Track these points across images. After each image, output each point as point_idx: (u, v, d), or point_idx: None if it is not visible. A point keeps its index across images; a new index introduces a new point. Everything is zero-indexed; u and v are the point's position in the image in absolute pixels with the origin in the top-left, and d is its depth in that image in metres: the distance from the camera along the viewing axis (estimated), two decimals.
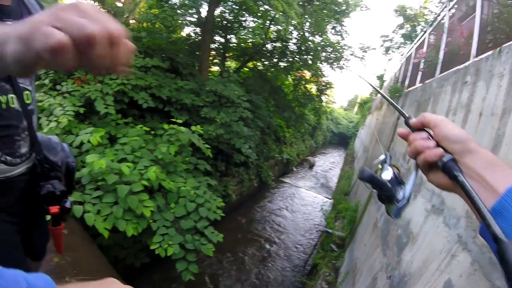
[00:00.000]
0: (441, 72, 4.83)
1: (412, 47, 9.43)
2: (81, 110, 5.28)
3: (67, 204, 1.30)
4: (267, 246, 8.81)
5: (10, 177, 1.14)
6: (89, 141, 4.37)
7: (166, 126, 5.47)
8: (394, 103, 0.89)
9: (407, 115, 0.74)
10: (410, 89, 7.17)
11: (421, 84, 5.95)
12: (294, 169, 17.19)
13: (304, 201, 13.04)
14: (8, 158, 1.11)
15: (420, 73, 6.67)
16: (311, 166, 19.51)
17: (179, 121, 5.77)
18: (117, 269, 4.76)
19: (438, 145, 0.63)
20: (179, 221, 4.83)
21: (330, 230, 7.69)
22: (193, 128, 5.66)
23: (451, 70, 4.09)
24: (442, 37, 5.57)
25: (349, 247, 6.41)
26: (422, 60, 6.71)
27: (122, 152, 4.84)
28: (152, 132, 5.58)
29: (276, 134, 14.13)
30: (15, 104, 1.08)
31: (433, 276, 2.24)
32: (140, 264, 5.45)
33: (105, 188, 4.31)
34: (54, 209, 1.26)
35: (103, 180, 4.24)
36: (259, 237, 9.19)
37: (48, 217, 1.31)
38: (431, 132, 0.66)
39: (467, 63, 3.51)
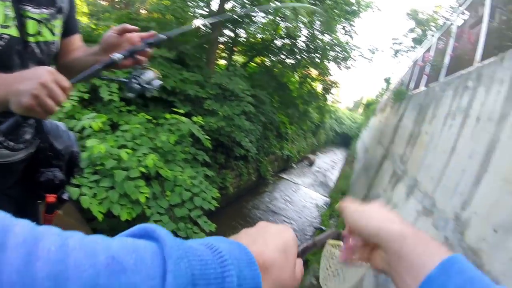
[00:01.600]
0: (445, 77, 4.82)
1: (420, 51, 9.41)
2: (86, 96, 5.27)
3: (65, 196, 1.30)
4: None
5: (11, 161, 1.16)
6: (90, 126, 4.37)
7: (168, 116, 5.49)
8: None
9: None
10: (414, 92, 7.15)
11: (425, 88, 5.94)
12: (294, 166, 17.18)
13: (301, 198, 13.06)
14: (11, 143, 1.12)
15: (425, 77, 6.65)
16: (311, 164, 19.49)
17: (181, 111, 5.77)
18: None
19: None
20: (173, 209, 4.88)
21: (323, 227, 7.66)
22: (194, 119, 5.66)
23: (454, 75, 4.08)
24: (449, 42, 5.55)
25: None
26: (428, 64, 6.69)
27: (123, 138, 4.86)
28: (154, 121, 5.59)
29: (278, 130, 14.12)
30: None
31: None
32: None
33: (103, 172, 4.34)
34: (51, 198, 1.25)
35: (102, 164, 4.27)
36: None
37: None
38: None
39: (470, 69, 3.50)
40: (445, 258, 0.43)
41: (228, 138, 8.00)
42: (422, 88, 6.33)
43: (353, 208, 0.58)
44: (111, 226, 5.03)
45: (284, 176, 15.28)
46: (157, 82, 1.18)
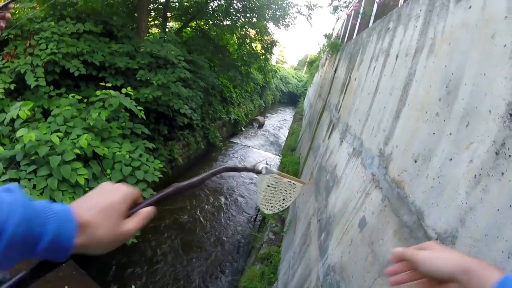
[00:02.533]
0: (372, 24, 4.90)
1: (353, 3, 9.50)
2: (12, 87, 5.12)
3: None
4: (218, 206, 8.90)
5: None
6: (18, 116, 4.17)
7: (98, 92, 5.25)
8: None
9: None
10: (347, 43, 7.27)
11: (355, 37, 6.03)
12: (243, 129, 17.21)
13: (253, 159, 13.21)
14: None
15: (356, 27, 6.75)
16: (261, 125, 19.64)
17: (109, 84, 5.58)
18: None
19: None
20: None
21: None
22: (123, 90, 5.43)
23: (378, 20, 4.14)
24: None
25: None
26: (359, 12, 6.77)
27: (55, 124, 4.70)
28: (85, 100, 5.40)
29: (222, 94, 13.91)
30: None
31: (350, 215, 2.34)
32: None
33: (39, 161, 4.23)
34: None
35: (36, 153, 4.15)
36: (209, 199, 9.24)
37: None
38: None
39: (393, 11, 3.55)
40: (502, 277, 0.55)
41: (167, 108, 7.73)
42: (354, 38, 6.44)
43: (424, 255, 0.65)
44: None
45: (234, 140, 15.29)
46: None
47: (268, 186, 1.42)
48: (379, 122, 2.49)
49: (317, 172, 4.49)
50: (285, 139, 17.25)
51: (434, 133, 1.61)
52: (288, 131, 19.17)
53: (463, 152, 1.33)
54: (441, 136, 1.54)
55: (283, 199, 1.50)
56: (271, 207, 1.49)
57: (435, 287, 0.64)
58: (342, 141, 3.42)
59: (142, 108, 5.60)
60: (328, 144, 4.57)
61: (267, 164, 1.35)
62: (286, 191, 1.48)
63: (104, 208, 0.60)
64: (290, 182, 1.45)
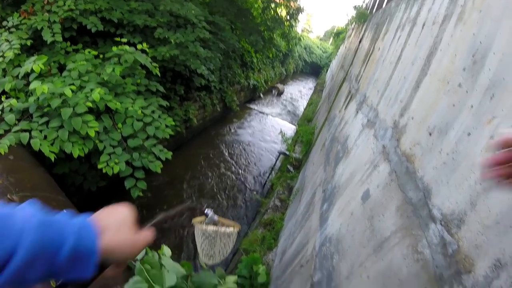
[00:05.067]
0: None
1: None
2: (28, 43, 5.08)
3: None
4: (228, 170, 8.94)
5: None
6: (33, 70, 4.20)
7: (114, 48, 5.19)
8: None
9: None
10: (374, 13, 6.92)
11: (384, 7, 5.71)
12: (262, 96, 17.00)
13: (269, 127, 13.09)
14: None
15: None
16: (280, 93, 19.35)
17: (124, 40, 5.49)
18: (75, 195, 5.07)
19: None
20: (126, 140, 4.81)
21: (287, 152, 7.82)
22: (139, 46, 5.36)
23: None
24: None
25: (303, 168, 6.58)
26: None
27: (69, 78, 4.68)
28: (101, 56, 5.37)
29: (242, 59, 13.63)
30: None
31: (355, 187, 2.25)
32: (96, 188, 5.48)
33: (52, 114, 4.27)
34: None
35: (49, 106, 4.17)
36: (220, 161, 9.28)
37: None
38: None
39: None
40: None
41: (184, 68, 7.62)
42: (383, 8, 6.11)
43: None
44: (72, 168, 5.16)
45: (251, 106, 15.16)
46: None
47: (206, 237, 1.49)
48: (397, 93, 2.34)
49: (329, 142, 4.38)
50: (303, 109, 16.98)
51: (454, 105, 1.47)
52: (307, 101, 18.86)
53: (483, 127, 1.20)
54: (462, 109, 1.40)
55: (224, 246, 1.56)
56: (211, 256, 1.56)
57: None
58: (357, 112, 3.28)
59: (157, 65, 5.53)
60: (343, 115, 4.42)
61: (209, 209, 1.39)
62: (223, 240, 1.54)
63: (118, 218, 0.67)
64: (225, 231, 1.50)
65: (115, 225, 0.64)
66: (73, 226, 0.56)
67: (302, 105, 18.63)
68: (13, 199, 3.07)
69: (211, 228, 1.46)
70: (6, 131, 4.01)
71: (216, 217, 1.40)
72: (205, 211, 1.23)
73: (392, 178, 1.82)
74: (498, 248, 0.88)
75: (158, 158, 4.92)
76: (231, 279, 2.44)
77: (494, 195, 0.99)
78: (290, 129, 13.21)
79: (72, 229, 0.55)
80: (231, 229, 1.52)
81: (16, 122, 4.08)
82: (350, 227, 1.96)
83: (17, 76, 4.50)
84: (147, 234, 0.72)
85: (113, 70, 4.87)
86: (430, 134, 1.60)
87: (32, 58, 4.36)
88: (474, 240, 0.99)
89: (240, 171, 9.03)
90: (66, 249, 0.53)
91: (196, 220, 1.42)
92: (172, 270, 1.93)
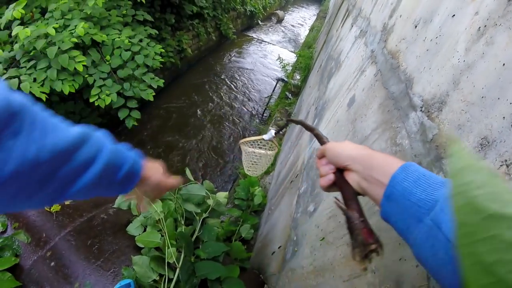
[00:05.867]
0: None
1: None
2: None
3: None
4: (227, 98, 8.85)
5: None
6: (14, 17, 4.02)
7: None
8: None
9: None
10: None
11: None
12: (260, 23, 16.25)
13: (268, 54, 12.67)
14: None
15: None
16: (280, 20, 18.46)
17: None
18: None
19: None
20: (116, 72, 4.74)
21: (285, 78, 7.66)
22: None
23: None
24: None
25: (301, 93, 6.47)
26: None
27: (53, 19, 4.51)
28: None
29: None
30: None
31: (342, 96, 2.18)
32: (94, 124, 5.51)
33: (38, 56, 4.27)
34: None
35: (35, 49, 4.16)
36: (218, 91, 9.14)
37: None
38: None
39: None
40: (404, 163, 0.55)
41: None
42: None
43: (331, 145, 0.71)
44: (68, 110, 5.21)
45: (249, 34, 14.57)
46: None
47: (252, 158, 1.89)
48: None
49: (325, 62, 4.21)
50: (304, 37, 16.30)
51: None
52: (309, 28, 18.03)
53: (468, 5, 1.08)
54: None
55: (265, 164, 1.96)
56: (254, 171, 1.95)
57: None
58: (352, 26, 3.09)
59: None
60: (340, 33, 4.20)
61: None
62: (265, 160, 1.94)
63: (153, 165, 0.90)
64: (266, 153, 1.89)
65: (152, 166, 0.88)
66: (131, 156, 0.77)
67: (303, 33, 17.85)
68: None
69: (257, 151, 1.84)
70: None
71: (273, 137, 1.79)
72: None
73: (377, 78, 1.74)
74: (484, 124, 0.81)
75: (150, 87, 4.86)
76: (222, 194, 2.49)
77: (478, 69, 0.90)
78: (290, 56, 12.80)
79: (130, 157, 0.76)
80: (273, 152, 1.87)
81: (4, 71, 4.07)
82: (334, 134, 1.92)
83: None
84: (172, 182, 0.96)
85: (95, 2, 4.61)
86: (415, 26, 1.48)
87: (12, 6, 4.16)
88: (457, 120, 0.91)
89: (238, 100, 8.93)
90: (125, 169, 0.73)
91: (243, 140, 1.83)
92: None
